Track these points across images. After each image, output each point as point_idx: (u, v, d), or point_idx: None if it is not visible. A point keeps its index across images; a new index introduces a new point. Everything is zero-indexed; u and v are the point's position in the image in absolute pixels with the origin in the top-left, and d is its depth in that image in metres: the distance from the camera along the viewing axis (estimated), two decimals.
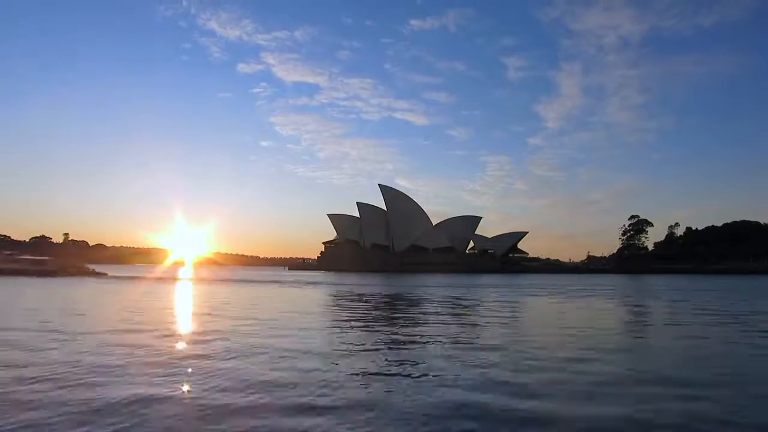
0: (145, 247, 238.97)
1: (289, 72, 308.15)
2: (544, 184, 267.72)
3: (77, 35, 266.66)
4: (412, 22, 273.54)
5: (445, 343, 15.19)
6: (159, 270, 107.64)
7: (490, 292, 45.95)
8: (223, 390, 9.06)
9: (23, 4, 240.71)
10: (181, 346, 14.53)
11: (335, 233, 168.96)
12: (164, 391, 8.97)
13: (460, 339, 15.95)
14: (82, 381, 9.64)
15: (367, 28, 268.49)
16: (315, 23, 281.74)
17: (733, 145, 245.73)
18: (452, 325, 20.10)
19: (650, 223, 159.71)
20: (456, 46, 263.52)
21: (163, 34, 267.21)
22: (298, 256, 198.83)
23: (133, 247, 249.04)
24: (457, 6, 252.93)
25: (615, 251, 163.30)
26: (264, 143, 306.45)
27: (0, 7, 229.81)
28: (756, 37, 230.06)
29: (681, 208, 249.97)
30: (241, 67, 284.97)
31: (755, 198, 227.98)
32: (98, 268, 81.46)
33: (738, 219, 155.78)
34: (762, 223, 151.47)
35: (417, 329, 18.64)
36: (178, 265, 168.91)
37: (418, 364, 11.85)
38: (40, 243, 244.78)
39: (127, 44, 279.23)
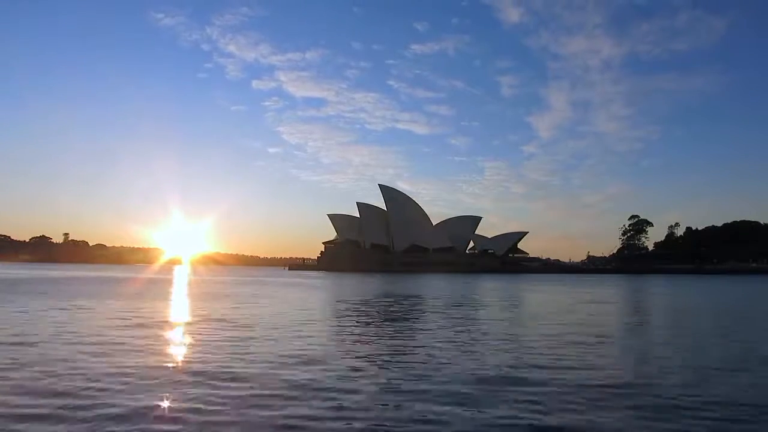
0: (146, 246, 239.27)
1: (299, 88, 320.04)
2: (541, 188, 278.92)
3: (99, 52, 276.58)
4: (414, 46, 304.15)
5: None
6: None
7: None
8: None
9: (58, 21, 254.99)
10: None
11: (335, 233, 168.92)
12: None
13: None
14: None
15: (373, 51, 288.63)
16: (327, 47, 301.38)
17: (722, 151, 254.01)
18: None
19: (650, 223, 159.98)
20: (455, 67, 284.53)
21: (186, 56, 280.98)
22: (298, 256, 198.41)
23: (134, 247, 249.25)
24: (455, 33, 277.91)
25: (614, 251, 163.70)
26: (271, 150, 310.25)
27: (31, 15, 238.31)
28: (729, 60, 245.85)
29: (674, 211, 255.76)
30: (255, 84, 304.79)
31: (752, 199, 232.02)
32: (98, 268, 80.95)
33: (737, 219, 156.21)
34: (762, 223, 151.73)
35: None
36: (173, 264, 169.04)
37: None
38: (40, 243, 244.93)
39: (147, 61, 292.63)
